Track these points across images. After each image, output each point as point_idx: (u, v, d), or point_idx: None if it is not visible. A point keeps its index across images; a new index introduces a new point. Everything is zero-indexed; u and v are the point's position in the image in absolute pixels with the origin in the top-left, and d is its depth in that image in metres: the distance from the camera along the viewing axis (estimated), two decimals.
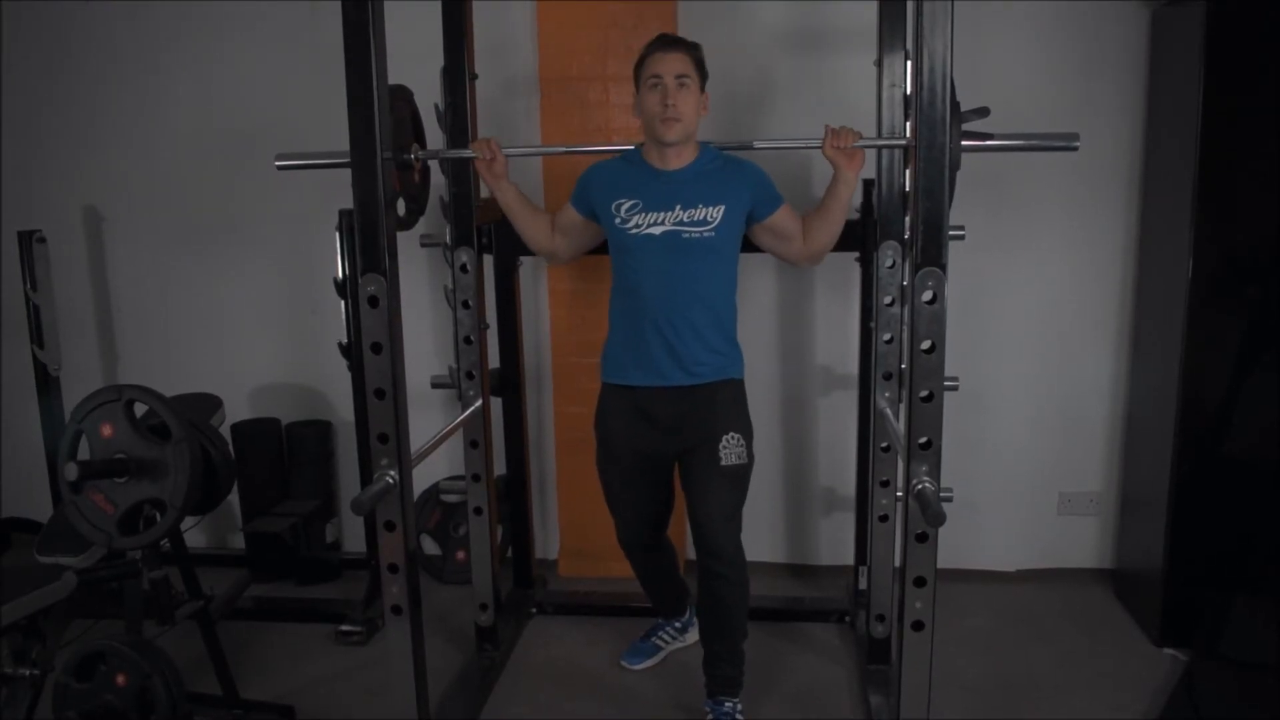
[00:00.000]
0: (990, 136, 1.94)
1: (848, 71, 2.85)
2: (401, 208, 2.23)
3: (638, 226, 2.26)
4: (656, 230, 2.25)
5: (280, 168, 2.17)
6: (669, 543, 2.61)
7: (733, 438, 2.28)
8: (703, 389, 2.29)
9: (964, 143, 1.88)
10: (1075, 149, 1.97)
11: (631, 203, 2.28)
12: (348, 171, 1.89)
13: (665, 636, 2.77)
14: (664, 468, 2.42)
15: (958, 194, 1.90)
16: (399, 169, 2.17)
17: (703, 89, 2.27)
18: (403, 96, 2.25)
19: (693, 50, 2.24)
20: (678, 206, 2.24)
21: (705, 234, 2.24)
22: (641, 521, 2.48)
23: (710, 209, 2.24)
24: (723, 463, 2.27)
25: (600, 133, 3.04)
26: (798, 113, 2.98)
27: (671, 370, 2.28)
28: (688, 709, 2.52)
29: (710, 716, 2.37)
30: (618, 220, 2.29)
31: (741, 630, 2.35)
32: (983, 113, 1.92)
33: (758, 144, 2.27)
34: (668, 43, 2.24)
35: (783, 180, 2.39)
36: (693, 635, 2.76)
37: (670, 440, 2.33)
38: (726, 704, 2.37)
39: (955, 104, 1.87)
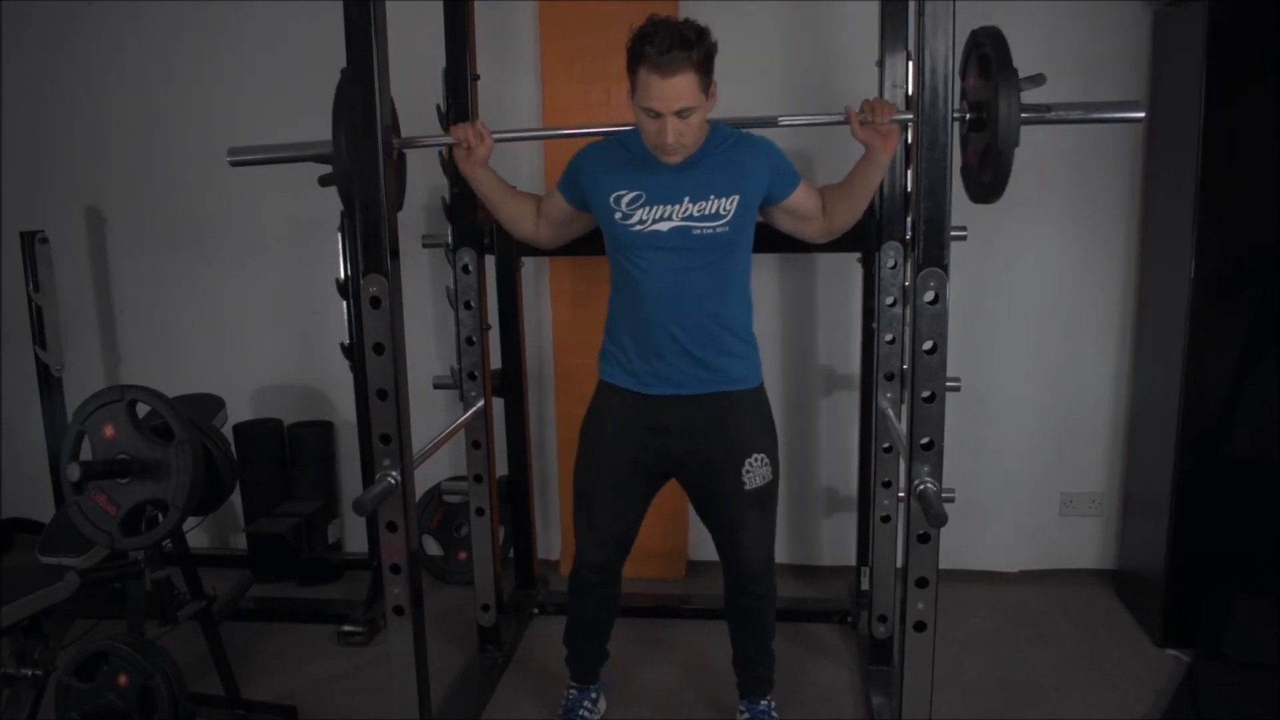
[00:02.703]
0: (1049, 108, 1.83)
1: (850, 72, 2.85)
2: None
3: (642, 223, 2.02)
4: (664, 227, 2.01)
5: (233, 163, 2.10)
6: (619, 587, 2.35)
7: (756, 459, 2.11)
8: (723, 398, 2.10)
9: (1023, 115, 1.78)
10: (1140, 119, 1.86)
11: (633, 195, 2.03)
12: None
13: (583, 717, 2.45)
14: (655, 484, 2.23)
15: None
16: None
17: (709, 87, 1.91)
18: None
19: (696, 62, 1.84)
20: (686, 199, 2.00)
21: (719, 229, 2.00)
22: (617, 539, 2.24)
23: (723, 200, 2.00)
24: (748, 487, 2.12)
25: None
26: (798, 112, 2.98)
27: (687, 378, 2.08)
28: (690, 706, 2.53)
29: (746, 715, 2.36)
30: (618, 215, 2.04)
31: (772, 633, 2.33)
32: (1038, 80, 1.79)
33: (783, 120, 2.07)
34: (667, 64, 1.82)
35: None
36: (603, 704, 2.50)
37: (677, 452, 2.14)
38: (761, 703, 2.36)
39: (1013, 69, 1.78)
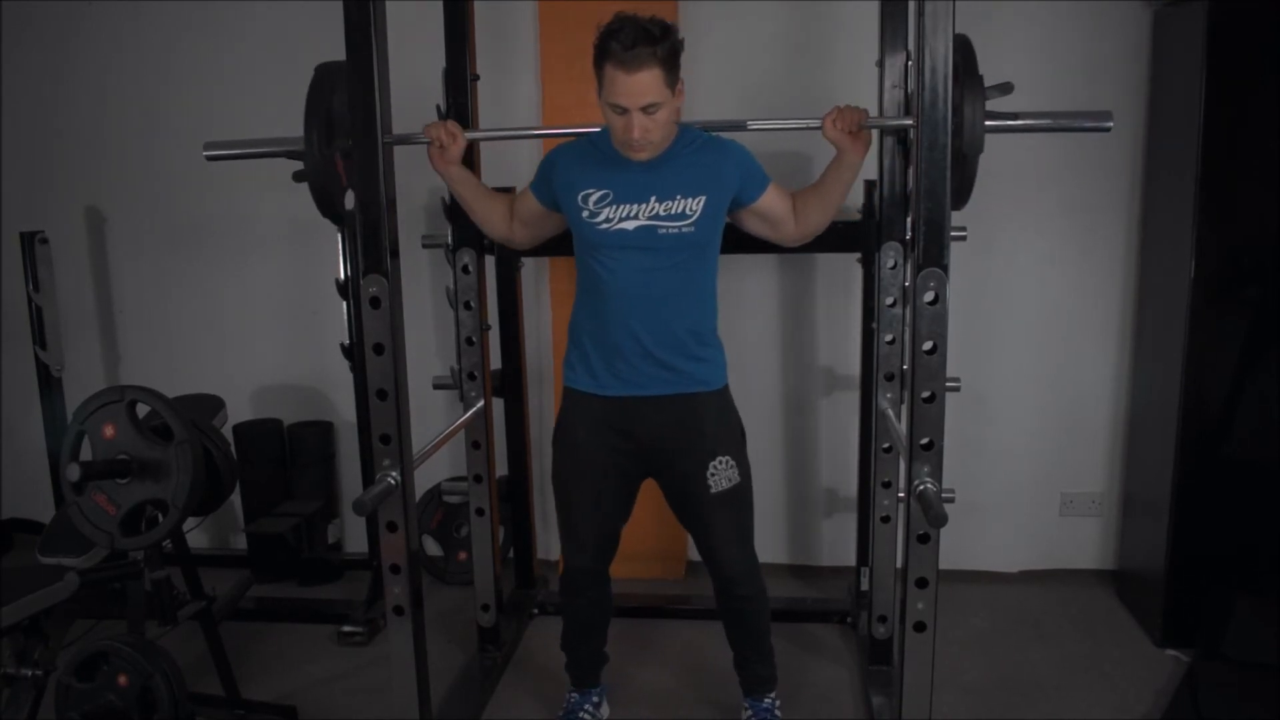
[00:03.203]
0: (1016, 116, 1.83)
1: (850, 72, 2.85)
2: (350, 200, 2.14)
3: (608, 221, 2.02)
4: (629, 225, 2.01)
5: (210, 158, 2.10)
6: (610, 588, 2.37)
7: (721, 462, 2.11)
8: (685, 400, 2.10)
9: (987, 123, 1.79)
10: (1108, 129, 1.88)
11: (601, 194, 2.03)
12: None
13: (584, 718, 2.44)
14: (633, 484, 2.23)
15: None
16: (342, 157, 2.13)
17: (676, 84, 1.91)
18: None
19: (661, 56, 1.85)
20: (653, 198, 2.00)
21: (684, 229, 2.01)
22: (601, 543, 2.24)
23: (690, 200, 2.00)
24: (713, 490, 2.11)
25: None
26: (800, 114, 2.97)
27: (649, 380, 2.08)
28: (691, 706, 2.53)
29: (750, 714, 2.35)
30: (585, 214, 2.04)
31: (766, 632, 2.32)
32: (1006, 88, 1.80)
33: (752, 125, 2.06)
34: (631, 59, 1.83)
35: (780, 171, 2.29)
36: (606, 709, 2.50)
37: (647, 456, 2.15)
38: (765, 700, 2.36)
39: (978, 76, 1.80)
